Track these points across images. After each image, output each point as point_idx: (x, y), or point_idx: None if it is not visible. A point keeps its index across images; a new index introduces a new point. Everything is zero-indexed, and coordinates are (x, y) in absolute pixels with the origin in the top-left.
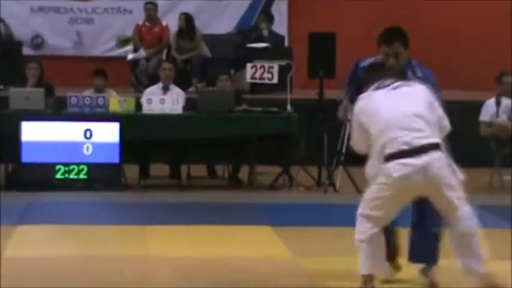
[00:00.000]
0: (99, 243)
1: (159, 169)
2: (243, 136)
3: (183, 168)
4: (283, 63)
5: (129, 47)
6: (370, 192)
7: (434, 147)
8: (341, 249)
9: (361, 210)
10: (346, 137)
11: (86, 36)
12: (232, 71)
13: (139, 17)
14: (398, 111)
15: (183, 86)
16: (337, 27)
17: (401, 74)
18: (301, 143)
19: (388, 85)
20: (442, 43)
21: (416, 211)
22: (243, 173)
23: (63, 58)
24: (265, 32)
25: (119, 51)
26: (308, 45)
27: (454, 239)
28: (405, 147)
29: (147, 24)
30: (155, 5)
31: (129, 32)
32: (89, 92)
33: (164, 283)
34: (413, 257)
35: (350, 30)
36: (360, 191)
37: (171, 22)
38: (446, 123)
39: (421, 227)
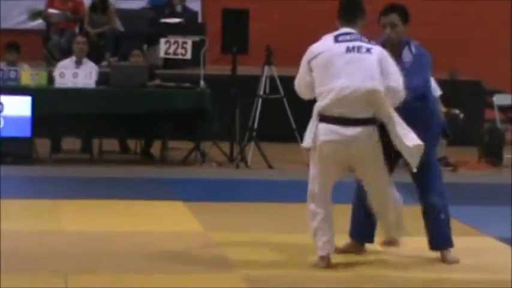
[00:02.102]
0: (10, 217)
1: (71, 143)
2: (155, 111)
3: (95, 143)
4: (197, 38)
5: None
6: (311, 165)
7: (367, 121)
8: (253, 224)
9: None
10: (257, 113)
11: None
12: (145, 46)
13: None
14: (349, 82)
15: (96, 60)
16: (250, 3)
17: (399, 48)
18: (213, 119)
19: (348, 40)
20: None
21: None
22: (155, 148)
23: None
24: (179, 8)
25: (31, 25)
26: (221, 21)
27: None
28: (339, 116)
29: None
30: None
31: (41, 5)
32: (1, 65)
33: (77, 257)
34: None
35: (263, 7)
36: (271, 167)
37: None
38: (399, 92)
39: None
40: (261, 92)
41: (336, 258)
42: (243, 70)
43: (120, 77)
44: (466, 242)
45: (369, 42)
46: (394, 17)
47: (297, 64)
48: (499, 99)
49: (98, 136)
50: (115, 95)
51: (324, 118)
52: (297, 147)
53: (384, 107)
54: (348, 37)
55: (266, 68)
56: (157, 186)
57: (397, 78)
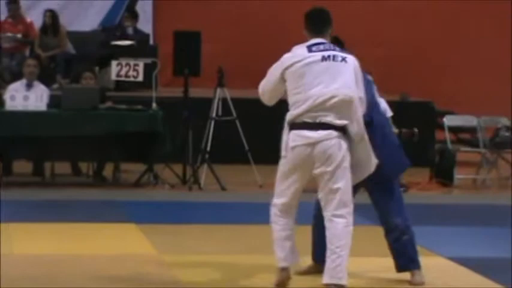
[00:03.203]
0: None
1: (22, 166)
2: (107, 133)
3: (47, 166)
4: (149, 61)
5: None
6: (278, 173)
7: (337, 128)
8: (205, 246)
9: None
10: (210, 135)
11: None
12: (97, 69)
13: (2, 14)
14: (321, 89)
15: (47, 83)
16: (202, 25)
17: None
18: (166, 141)
19: (322, 50)
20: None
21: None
22: (108, 171)
23: None
24: (130, 30)
25: None
26: (173, 44)
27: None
28: (308, 120)
29: (9, 21)
30: (17, 4)
31: None
32: None
33: (28, 281)
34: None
35: (215, 29)
36: (224, 189)
37: (35, 18)
38: (364, 102)
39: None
40: (214, 114)
41: (298, 280)
42: (195, 92)
43: (72, 100)
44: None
45: (342, 50)
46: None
47: (249, 85)
48: (449, 120)
49: (49, 159)
50: (66, 117)
51: (294, 126)
52: (250, 168)
53: (358, 117)
54: (321, 47)
55: (218, 89)
56: (109, 208)
57: (362, 95)
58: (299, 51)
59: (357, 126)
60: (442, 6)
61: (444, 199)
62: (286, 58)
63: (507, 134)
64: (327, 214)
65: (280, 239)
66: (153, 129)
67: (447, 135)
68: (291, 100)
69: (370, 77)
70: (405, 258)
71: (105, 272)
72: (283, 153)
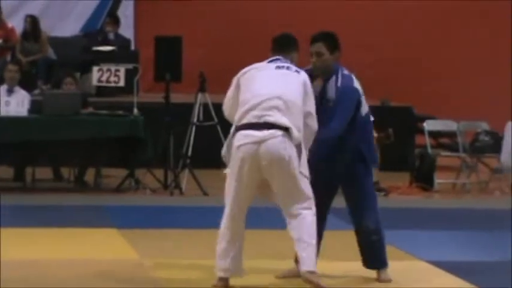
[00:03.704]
0: None
1: (3, 171)
2: (89, 139)
3: (28, 171)
4: (130, 66)
5: None
6: (226, 182)
7: (282, 128)
8: (187, 251)
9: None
10: (191, 140)
11: None
12: (78, 74)
13: None
14: (267, 90)
15: (28, 88)
16: (183, 31)
17: (327, 77)
18: (147, 146)
19: (278, 62)
20: None
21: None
22: (89, 176)
23: None
24: (111, 35)
25: None
26: (154, 49)
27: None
28: (253, 120)
29: None
30: None
31: None
32: None
33: (8, 285)
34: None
35: (197, 34)
36: (205, 194)
37: (16, 24)
38: (313, 122)
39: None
40: (195, 119)
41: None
42: (176, 97)
43: (53, 105)
44: (399, 266)
45: (296, 67)
46: (320, 46)
47: None
48: (429, 125)
49: (30, 164)
50: (48, 123)
51: (239, 127)
52: None
53: (299, 124)
54: (278, 62)
55: (200, 95)
56: (91, 213)
57: (312, 111)
58: (257, 63)
59: (297, 133)
60: (422, 11)
61: (424, 203)
62: (243, 69)
63: (486, 138)
64: (292, 210)
65: (226, 250)
66: (134, 134)
67: (427, 140)
68: (239, 100)
69: (352, 88)
70: (373, 257)
71: (86, 276)
72: (223, 151)
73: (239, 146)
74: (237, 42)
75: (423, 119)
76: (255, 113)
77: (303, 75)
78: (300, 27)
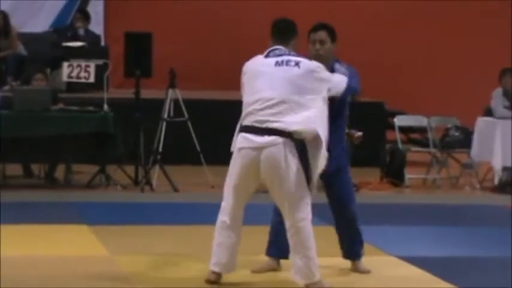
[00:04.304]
0: None
1: None
2: (59, 135)
3: None
4: (100, 62)
5: None
6: (228, 175)
7: (284, 134)
8: (158, 247)
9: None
10: (162, 136)
11: None
12: (48, 70)
13: None
14: (270, 93)
15: None
16: (154, 27)
17: (328, 65)
18: (118, 142)
19: (277, 55)
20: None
21: None
22: (60, 172)
23: None
24: (82, 31)
25: None
26: (125, 45)
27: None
28: (256, 125)
29: None
30: None
31: None
32: None
33: None
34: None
35: (167, 30)
36: (176, 190)
37: None
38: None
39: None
40: (165, 115)
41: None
42: (147, 93)
43: (23, 101)
44: (369, 262)
45: (298, 56)
46: (323, 34)
47: (200, 87)
48: (400, 121)
49: (0, 161)
50: (18, 119)
51: (242, 128)
52: (201, 169)
53: (310, 120)
54: (276, 52)
55: (170, 91)
56: (61, 209)
57: (334, 80)
58: (257, 58)
59: (307, 131)
60: (395, 6)
61: (395, 199)
62: (244, 67)
63: (457, 134)
64: (289, 218)
65: (220, 245)
66: (104, 130)
67: (398, 136)
68: (244, 101)
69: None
70: (355, 246)
71: (56, 273)
72: (232, 148)
73: (239, 149)
74: (207, 38)
75: (394, 115)
76: (258, 117)
77: (303, 65)
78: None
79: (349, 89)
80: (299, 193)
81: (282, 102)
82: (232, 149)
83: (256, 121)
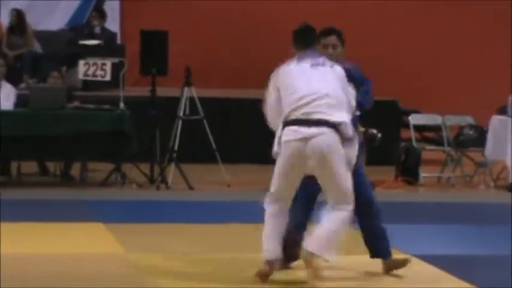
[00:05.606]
0: None
1: None
2: (75, 133)
3: (14, 165)
4: (116, 60)
5: None
6: (275, 169)
7: (329, 124)
8: (173, 245)
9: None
10: (178, 134)
11: None
12: (64, 68)
13: None
14: (311, 88)
15: (14, 82)
16: (169, 25)
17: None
18: (133, 141)
19: (311, 58)
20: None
21: None
22: (75, 170)
23: None
24: (98, 29)
25: None
26: (140, 43)
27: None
28: (302, 117)
29: None
30: None
31: None
32: None
33: None
34: None
35: (183, 28)
36: (191, 188)
37: (3, 18)
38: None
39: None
40: (181, 113)
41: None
42: (162, 91)
43: (39, 99)
44: None
45: (331, 62)
46: (334, 39)
47: (216, 85)
48: (414, 119)
49: (16, 158)
50: (34, 117)
51: (287, 123)
52: (217, 167)
53: (344, 118)
54: (309, 55)
55: (186, 89)
56: (77, 208)
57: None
58: (289, 63)
59: (349, 127)
60: (408, 5)
61: (409, 197)
62: (276, 72)
63: (471, 132)
64: (330, 205)
65: (269, 234)
66: (120, 128)
67: (412, 134)
68: (283, 102)
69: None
70: (384, 244)
71: (72, 271)
72: (274, 149)
73: (287, 142)
74: (223, 36)
75: (408, 113)
76: (304, 110)
77: (338, 69)
78: (286, 23)
79: (362, 110)
80: (342, 183)
81: (324, 96)
82: (274, 152)
83: (302, 113)
